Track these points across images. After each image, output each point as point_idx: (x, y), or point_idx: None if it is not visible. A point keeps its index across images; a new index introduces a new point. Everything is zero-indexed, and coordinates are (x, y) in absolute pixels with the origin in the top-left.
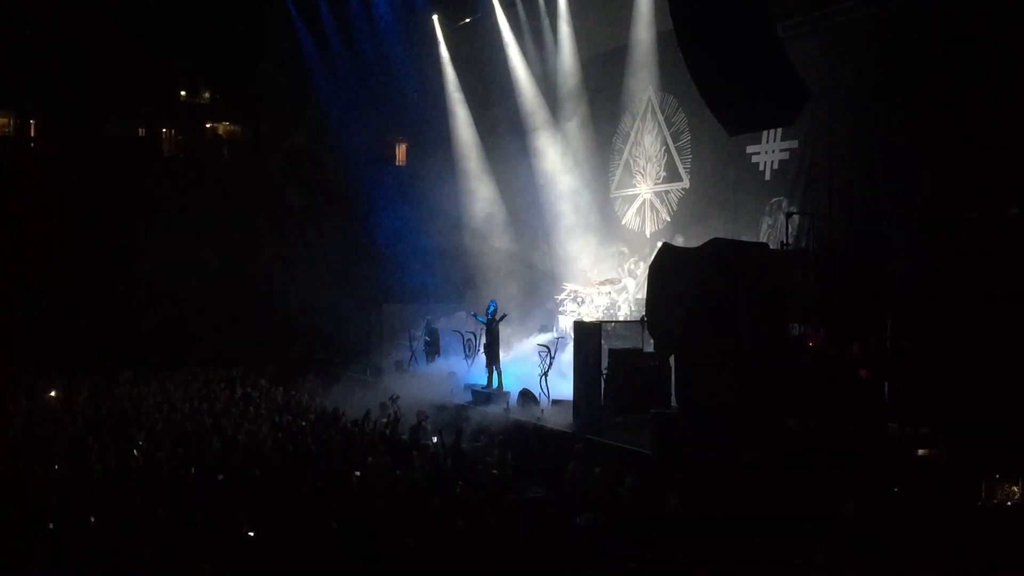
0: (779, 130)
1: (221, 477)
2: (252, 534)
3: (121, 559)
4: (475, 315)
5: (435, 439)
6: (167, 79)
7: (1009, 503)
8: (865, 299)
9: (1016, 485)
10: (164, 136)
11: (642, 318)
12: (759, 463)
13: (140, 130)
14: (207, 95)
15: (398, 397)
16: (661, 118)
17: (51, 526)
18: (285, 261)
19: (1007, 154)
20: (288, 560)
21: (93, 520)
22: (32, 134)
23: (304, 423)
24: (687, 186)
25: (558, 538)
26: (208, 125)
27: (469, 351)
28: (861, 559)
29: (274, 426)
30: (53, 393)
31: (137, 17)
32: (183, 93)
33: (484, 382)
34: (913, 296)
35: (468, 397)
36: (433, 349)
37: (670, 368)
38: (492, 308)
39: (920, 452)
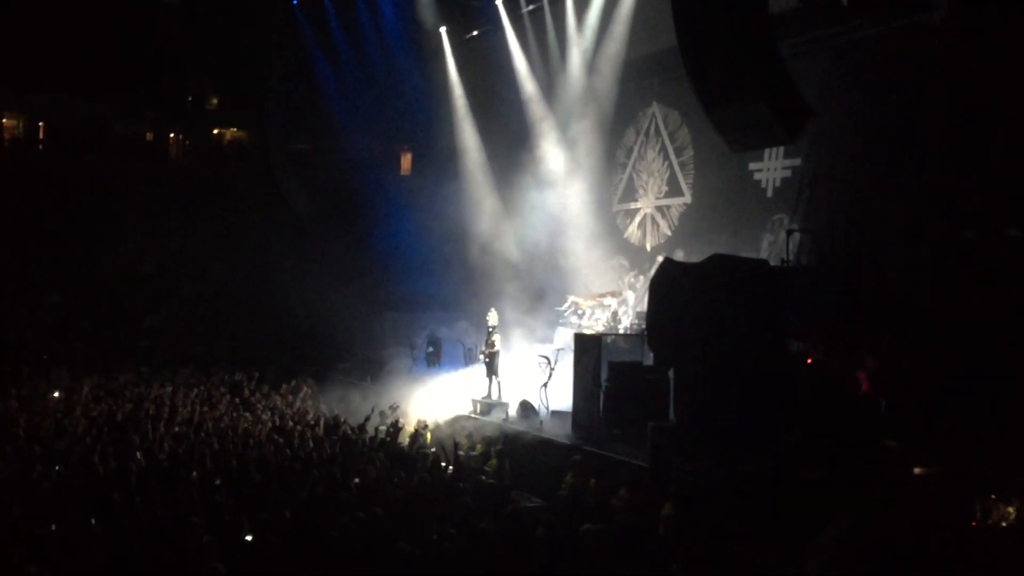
0: (782, 148)
1: (219, 482)
2: (250, 539)
3: (121, 561)
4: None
5: (434, 448)
6: (176, 84)
7: (1004, 524)
8: (864, 317)
9: (1012, 506)
10: (171, 141)
11: (642, 331)
12: (755, 477)
13: (148, 134)
14: (215, 101)
15: (398, 406)
16: (664, 133)
17: (52, 527)
18: (288, 266)
19: (1007, 174)
20: (285, 566)
21: (94, 522)
22: (41, 136)
23: (304, 428)
24: (689, 201)
25: (554, 547)
26: (215, 131)
27: (469, 360)
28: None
29: (274, 431)
30: (56, 393)
31: (147, 22)
32: (191, 98)
33: (484, 392)
34: (912, 314)
35: (468, 406)
36: (434, 357)
37: (669, 382)
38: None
39: (917, 470)
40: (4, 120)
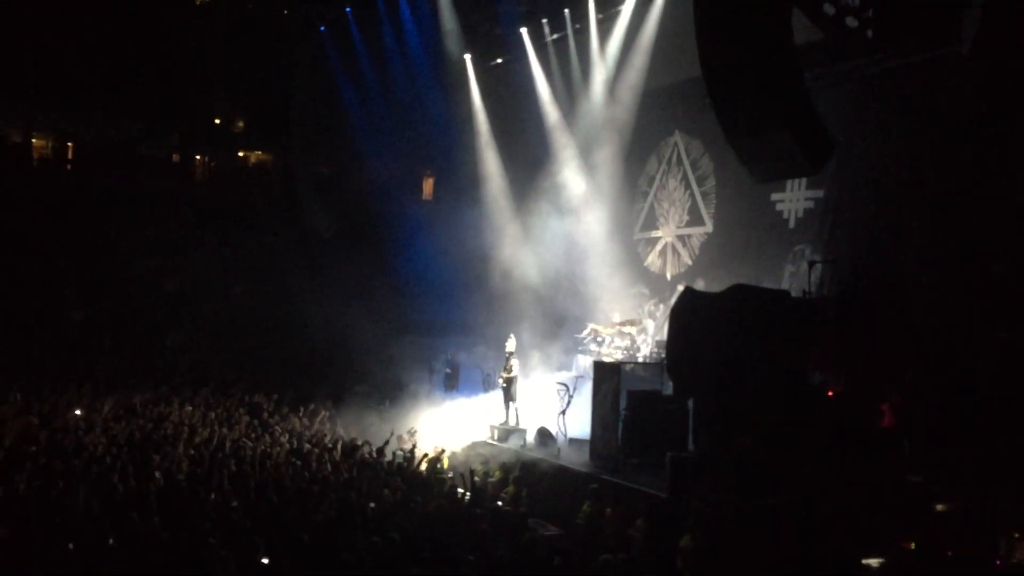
0: (804, 179)
1: (236, 503)
2: (266, 561)
3: None
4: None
5: (451, 474)
6: (203, 106)
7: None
8: (886, 350)
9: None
10: (197, 162)
11: (662, 360)
12: (775, 510)
13: (174, 155)
14: (240, 123)
15: (416, 431)
16: (687, 162)
17: (71, 546)
18: (309, 288)
19: None
20: None
21: (112, 542)
22: (70, 156)
23: (322, 452)
24: (710, 231)
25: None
26: (240, 153)
27: (488, 386)
28: None
29: (292, 453)
30: (77, 411)
31: (175, 44)
32: (217, 121)
33: (502, 418)
34: (935, 347)
35: (485, 432)
36: (452, 382)
37: (688, 411)
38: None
39: (939, 507)
40: (34, 140)
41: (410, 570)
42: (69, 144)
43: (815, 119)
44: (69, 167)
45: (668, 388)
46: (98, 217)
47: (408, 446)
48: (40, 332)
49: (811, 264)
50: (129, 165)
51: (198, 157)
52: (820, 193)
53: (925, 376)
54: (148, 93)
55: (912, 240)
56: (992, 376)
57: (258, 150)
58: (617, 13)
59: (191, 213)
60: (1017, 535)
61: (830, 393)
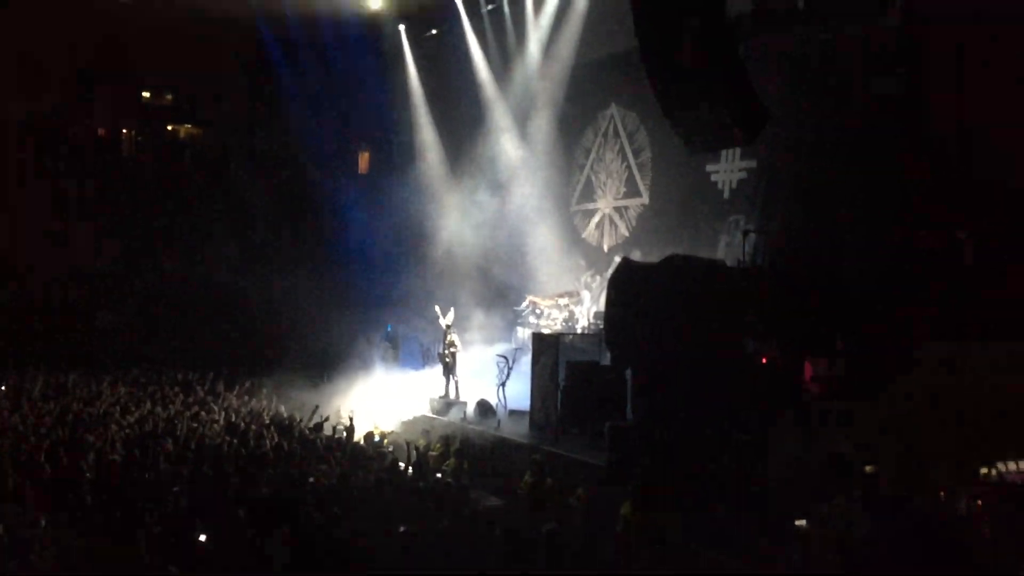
0: (738, 150)
1: (173, 484)
2: (203, 539)
3: (72, 563)
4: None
5: (391, 447)
6: (129, 80)
7: (957, 516)
8: (818, 317)
9: (961, 502)
10: (124, 136)
11: (600, 331)
12: (711, 476)
13: (100, 130)
14: (169, 96)
15: (353, 410)
16: (623, 134)
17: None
18: (245, 264)
19: (959, 178)
20: (240, 565)
21: (44, 523)
22: None
23: (259, 428)
24: (646, 202)
25: (513, 547)
26: (169, 127)
27: (427, 359)
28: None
29: (228, 430)
30: (3, 387)
31: (101, 17)
32: (146, 94)
33: (441, 391)
34: (864, 315)
35: (425, 406)
36: (392, 356)
37: (626, 381)
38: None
39: (867, 468)
40: None
41: (351, 543)
42: None
43: (749, 90)
44: None
45: (606, 359)
46: (22, 194)
47: (346, 421)
48: None
49: (745, 234)
50: (53, 139)
51: (124, 131)
52: (754, 163)
53: (856, 342)
54: (70, 65)
55: (842, 209)
56: (919, 342)
57: (188, 123)
58: None
59: (120, 188)
60: (942, 494)
61: (763, 360)
